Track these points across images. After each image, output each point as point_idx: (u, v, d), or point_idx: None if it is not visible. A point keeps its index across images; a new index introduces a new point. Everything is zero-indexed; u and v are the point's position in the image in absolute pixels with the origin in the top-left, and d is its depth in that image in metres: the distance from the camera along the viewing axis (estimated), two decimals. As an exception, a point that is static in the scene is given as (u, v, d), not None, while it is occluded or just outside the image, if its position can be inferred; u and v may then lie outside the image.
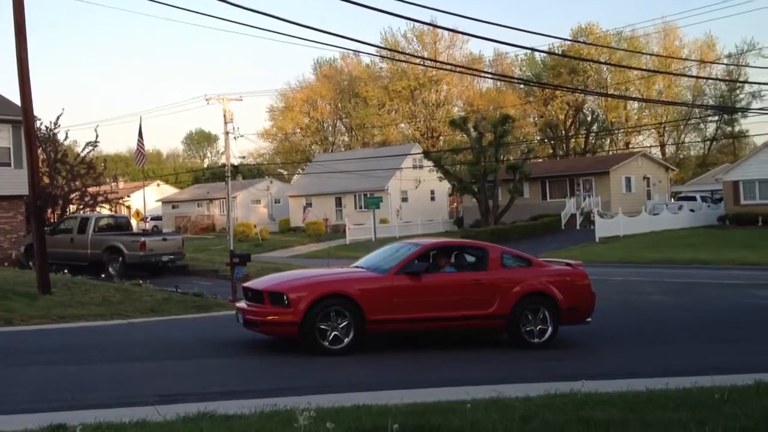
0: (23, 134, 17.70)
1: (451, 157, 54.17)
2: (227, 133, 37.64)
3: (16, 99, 18.03)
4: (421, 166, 56.79)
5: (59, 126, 34.42)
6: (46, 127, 33.67)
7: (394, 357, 10.07)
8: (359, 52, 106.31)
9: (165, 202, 71.01)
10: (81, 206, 34.19)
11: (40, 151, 28.93)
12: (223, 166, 45.03)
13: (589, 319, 11.58)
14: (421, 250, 11.20)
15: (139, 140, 41.36)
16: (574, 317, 11.35)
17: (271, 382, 8.76)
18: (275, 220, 62.49)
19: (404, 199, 58.25)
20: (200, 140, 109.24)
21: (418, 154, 57.94)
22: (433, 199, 60.47)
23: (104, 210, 35.65)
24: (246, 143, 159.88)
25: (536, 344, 10.85)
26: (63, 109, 62.12)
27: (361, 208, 55.47)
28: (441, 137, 75.23)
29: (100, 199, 34.83)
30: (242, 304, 10.83)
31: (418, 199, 58.52)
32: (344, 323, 9.98)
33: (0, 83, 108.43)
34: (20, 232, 27.24)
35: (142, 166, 46.56)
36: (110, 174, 39.51)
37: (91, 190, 34.79)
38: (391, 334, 10.38)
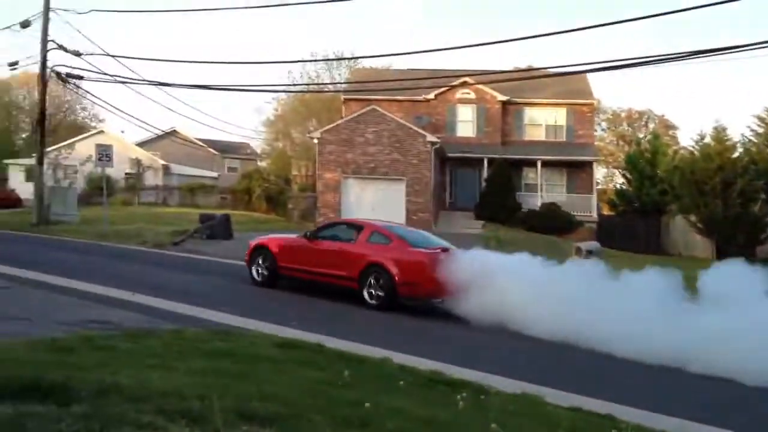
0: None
1: None
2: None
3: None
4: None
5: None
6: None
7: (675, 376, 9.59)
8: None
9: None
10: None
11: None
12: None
13: (440, 300, 12.72)
14: (330, 223, 15.90)
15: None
16: (413, 292, 12.78)
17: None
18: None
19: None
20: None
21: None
22: None
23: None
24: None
25: (373, 305, 12.72)
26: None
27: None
28: None
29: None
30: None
31: None
32: (265, 265, 14.38)
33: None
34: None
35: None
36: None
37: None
38: (293, 279, 14.13)
